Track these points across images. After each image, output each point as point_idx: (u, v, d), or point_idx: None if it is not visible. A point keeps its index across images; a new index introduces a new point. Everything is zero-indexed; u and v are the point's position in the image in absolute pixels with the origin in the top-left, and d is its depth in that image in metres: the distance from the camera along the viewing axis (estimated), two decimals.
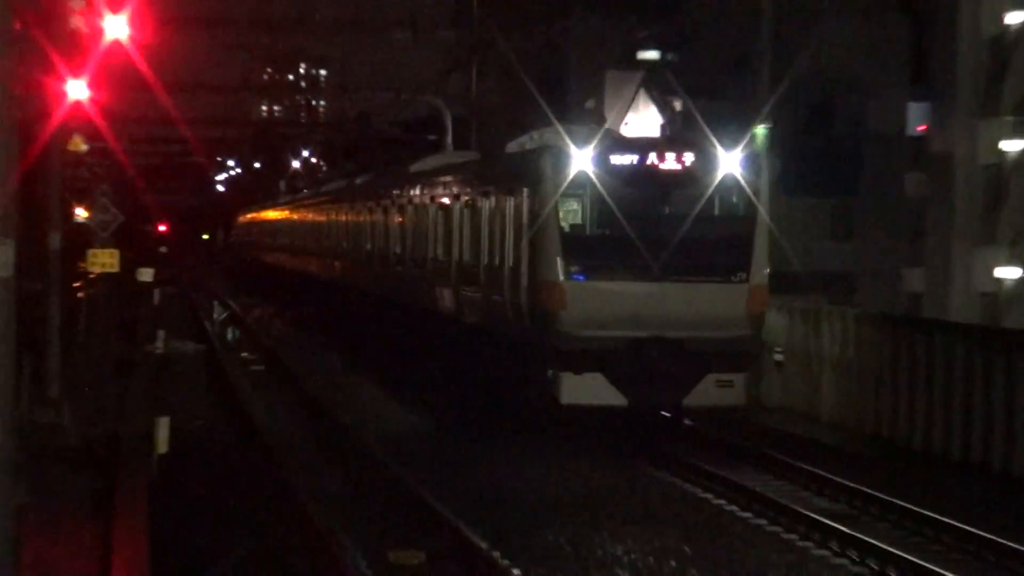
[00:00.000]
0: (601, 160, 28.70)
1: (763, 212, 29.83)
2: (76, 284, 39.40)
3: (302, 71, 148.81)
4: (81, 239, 40.31)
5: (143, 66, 40.67)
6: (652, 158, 29.94)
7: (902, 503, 26.62)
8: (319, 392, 49.68)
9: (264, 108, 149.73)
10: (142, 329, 57.84)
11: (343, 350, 69.85)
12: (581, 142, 29.44)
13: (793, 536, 24.70)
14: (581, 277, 28.69)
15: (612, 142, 29.63)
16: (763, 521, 26.29)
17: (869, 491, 27.99)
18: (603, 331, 28.09)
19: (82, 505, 24.90)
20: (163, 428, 32.61)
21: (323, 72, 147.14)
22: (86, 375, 38.42)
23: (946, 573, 23.25)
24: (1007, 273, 55.06)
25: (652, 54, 75.95)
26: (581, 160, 28.76)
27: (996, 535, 24.73)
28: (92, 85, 34.63)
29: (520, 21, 75.24)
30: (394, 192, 60.65)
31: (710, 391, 28.86)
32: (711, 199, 28.91)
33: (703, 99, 47.09)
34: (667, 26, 74.79)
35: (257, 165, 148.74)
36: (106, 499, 25.30)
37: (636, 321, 28.27)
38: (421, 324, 50.04)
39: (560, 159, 28.78)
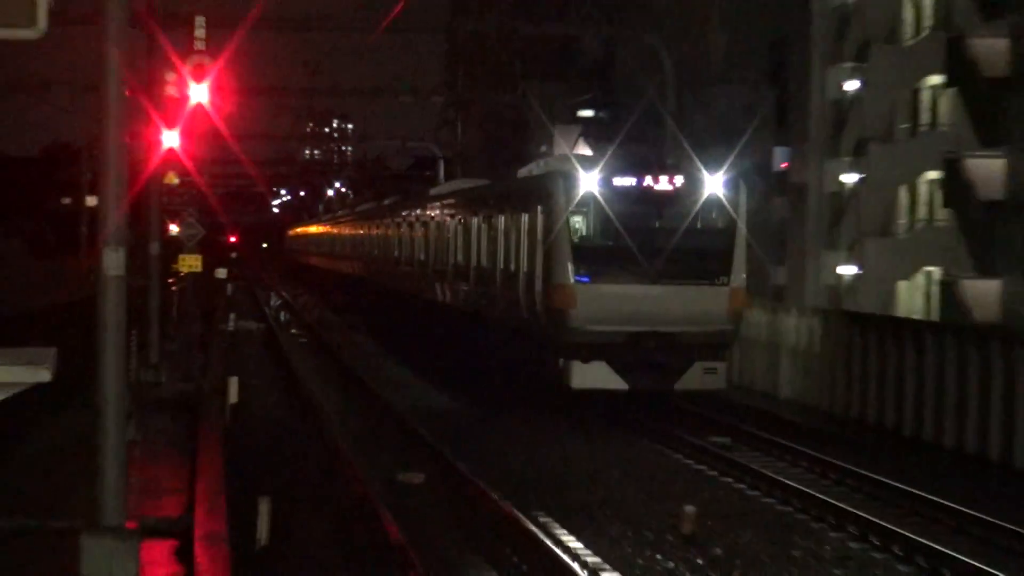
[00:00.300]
0: (605, 182, 27.21)
1: (742, 226, 28.15)
2: (170, 280, 39.41)
3: (335, 124, 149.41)
4: (174, 247, 40.10)
5: (219, 122, 40.33)
6: (648, 180, 27.98)
7: (839, 463, 25.40)
8: (352, 362, 46.92)
9: (307, 152, 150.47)
10: (218, 313, 57.43)
11: (371, 332, 65.03)
12: (588, 167, 27.74)
13: (752, 491, 23.81)
14: (588, 280, 26.95)
15: (614, 167, 28.01)
16: (730, 479, 24.92)
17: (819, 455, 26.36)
18: (607, 326, 26.48)
19: (175, 440, 25.11)
20: (233, 385, 32.78)
21: (350, 125, 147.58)
22: (177, 346, 38.35)
23: (859, 512, 21.77)
24: (845, 271, 55.50)
25: (588, 112, 75.58)
26: (588, 182, 27.25)
27: (905, 484, 23.78)
28: (181, 135, 34.69)
29: (492, 87, 74.35)
30: (418, 210, 55.91)
31: (697, 377, 27.38)
32: (698, 215, 27.52)
33: (629, 144, 46.29)
34: (599, 91, 73.29)
35: (302, 193, 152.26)
36: (192, 436, 26.25)
37: (635, 317, 26.74)
38: (442, 319, 45.61)
39: (571, 182, 27.27)
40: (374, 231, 72.34)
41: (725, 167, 28.29)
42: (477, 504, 22.46)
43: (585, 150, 47.60)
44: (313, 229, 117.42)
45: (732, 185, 27.96)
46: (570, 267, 27.35)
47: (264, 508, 19.18)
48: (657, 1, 49.48)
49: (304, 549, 19.72)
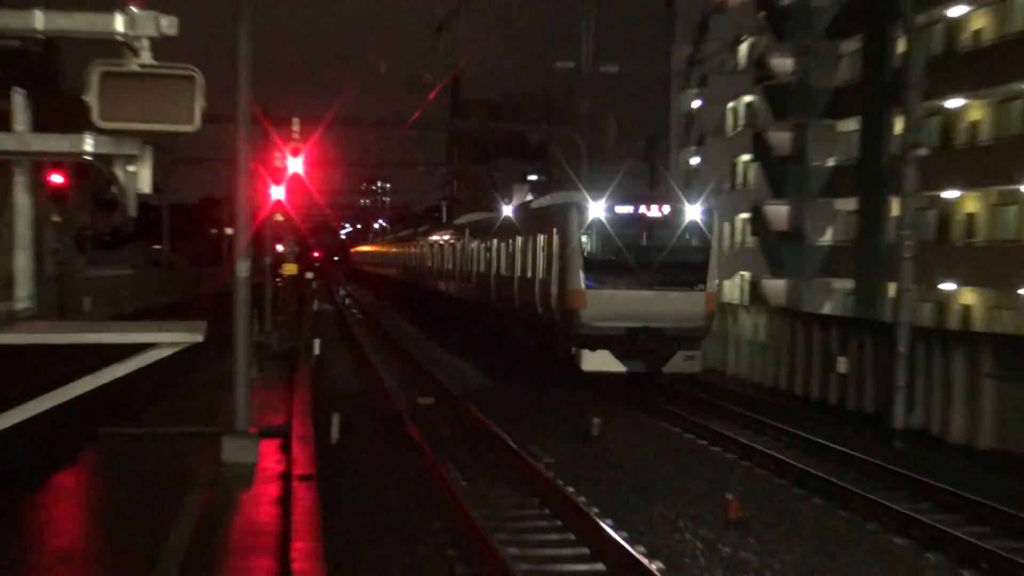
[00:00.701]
0: (609, 210, 24.78)
1: (715, 245, 25.66)
2: (277, 279, 39.20)
3: (378, 184, 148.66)
4: (279, 259, 39.94)
5: (309, 182, 40.43)
6: (642, 209, 25.37)
7: (777, 424, 21.75)
8: (390, 331, 45.41)
9: (361, 200, 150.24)
10: (307, 299, 57.34)
11: (402, 312, 62.52)
12: (595, 198, 25.52)
13: (712, 447, 20.01)
14: (595, 286, 24.48)
15: (616, 199, 25.48)
16: (692, 436, 21.24)
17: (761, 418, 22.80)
18: (610, 322, 24.18)
19: (280, 378, 24.97)
20: (316, 344, 33.20)
21: (388, 184, 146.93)
22: (281, 320, 38.15)
23: (780, 455, 18.65)
24: None
25: (533, 176, 75.75)
26: (596, 210, 24.88)
27: (814, 435, 20.42)
28: (286, 190, 34.57)
29: (474, 161, 74.38)
30: (452, 232, 50.67)
31: (680, 362, 24.80)
32: (680, 236, 24.84)
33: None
34: (539, 164, 73.82)
35: (358, 225, 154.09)
36: (290, 375, 25.70)
37: (631, 316, 24.27)
38: (476, 314, 41.00)
39: (582, 209, 24.96)
40: (405, 249, 72.92)
41: (701, 200, 26.37)
42: (462, 416, 23.45)
43: (530, 197, 47.59)
44: (365, 248, 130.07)
45: (707, 213, 25.68)
46: (581, 275, 24.85)
47: (335, 419, 20.40)
48: (576, 109, 49.02)
49: (360, 444, 20.55)
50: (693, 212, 25.72)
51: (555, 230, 27.40)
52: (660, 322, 24.97)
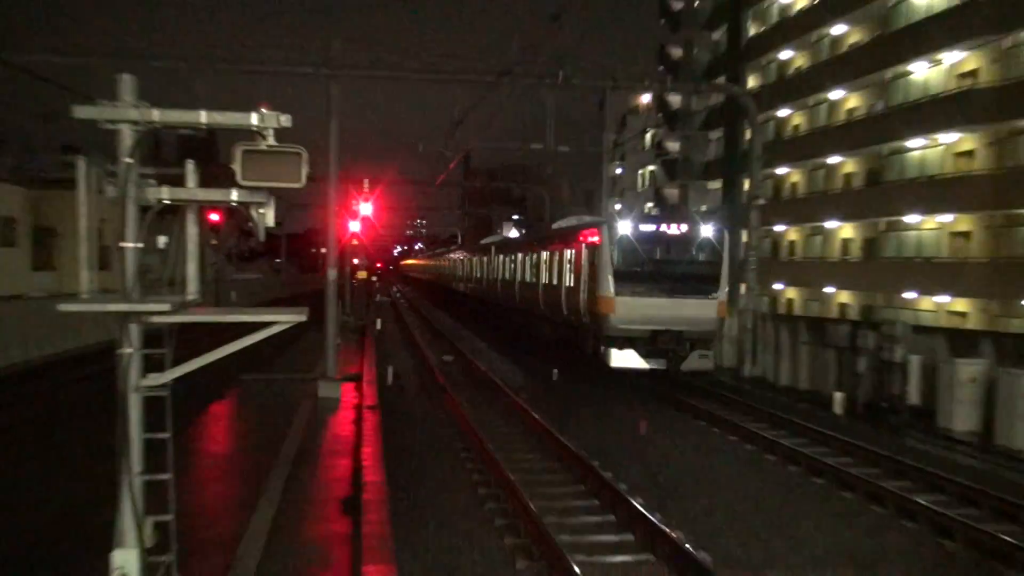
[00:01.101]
0: (634, 228, 19.38)
1: (726, 258, 19.73)
2: (353, 281, 38.70)
3: (418, 220, 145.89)
4: (355, 268, 39.51)
5: (373, 219, 39.86)
6: (663, 227, 19.97)
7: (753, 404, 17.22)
8: (430, 318, 42.15)
9: (408, 230, 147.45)
10: (372, 294, 56.51)
11: (437, 305, 55.91)
12: (623, 218, 20.16)
13: (710, 427, 15.27)
14: (624, 294, 19.05)
15: (641, 219, 20.39)
16: (703, 422, 15.75)
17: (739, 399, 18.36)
18: (635, 325, 19.01)
19: (356, 340, 24.32)
20: (379, 322, 32.80)
21: (423, 220, 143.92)
22: (358, 307, 37.60)
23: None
24: None
25: (516, 217, 74.41)
26: (624, 228, 19.39)
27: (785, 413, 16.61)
28: (360, 224, 34.03)
29: (478, 206, 74.09)
30: (472, 250, 44.14)
31: (696, 361, 19.27)
32: (696, 250, 19.52)
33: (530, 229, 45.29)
34: (521, 208, 73.13)
35: (405, 247, 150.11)
36: (361, 342, 24.62)
37: (654, 320, 19.03)
38: (492, 308, 34.74)
39: (612, 227, 19.53)
40: (437, 262, 68.70)
41: (713, 221, 20.67)
42: (473, 369, 22.34)
43: (514, 231, 45.74)
44: (409, 261, 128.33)
45: (719, 231, 20.12)
46: (612, 284, 19.34)
47: (389, 369, 19.93)
48: (543, 174, 48.56)
49: (407, 386, 19.65)
50: (707, 230, 20.43)
51: (586, 245, 21.85)
52: (679, 325, 19.58)
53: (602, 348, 19.98)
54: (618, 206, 64.67)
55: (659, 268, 19.85)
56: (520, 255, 30.02)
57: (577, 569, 7.70)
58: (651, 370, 19.61)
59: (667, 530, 8.82)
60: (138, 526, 4.85)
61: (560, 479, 11.81)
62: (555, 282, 24.03)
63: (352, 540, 7.61)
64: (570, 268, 22.33)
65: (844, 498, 11.36)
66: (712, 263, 20.10)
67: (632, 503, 9.87)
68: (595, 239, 20.63)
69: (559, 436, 13.40)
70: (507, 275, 32.23)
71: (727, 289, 20.29)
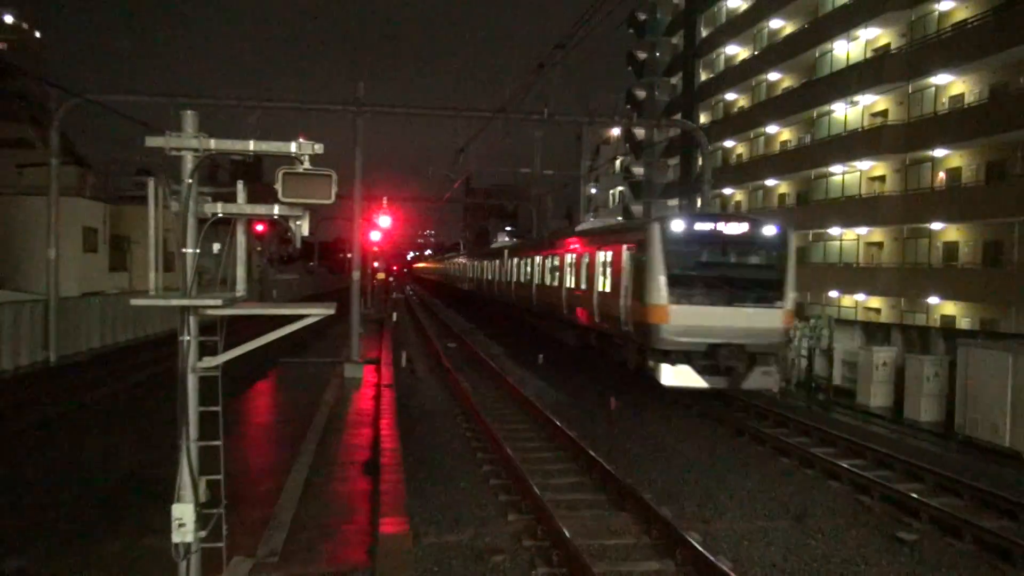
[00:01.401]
0: (688, 227, 13.51)
1: (792, 262, 13.71)
2: (373, 281, 38.35)
3: (427, 230, 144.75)
4: (375, 271, 39.21)
5: (391, 232, 39.35)
6: (721, 226, 13.70)
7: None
8: (438, 312, 40.23)
9: (419, 239, 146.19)
10: (389, 292, 56.04)
11: (449, 306, 48.00)
12: (676, 217, 14.10)
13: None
14: (678, 301, 13.05)
15: (695, 217, 14.10)
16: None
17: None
18: (691, 337, 13.02)
19: (375, 329, 23.98)
20: (395, 314, 32.16)
21: (431, 230, 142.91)
22: (377, 302, 37.29)
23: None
24: None
25: (509, 228, 73.67)
26: (677, 226, 13.44)
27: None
28: (380, 234, 33.59)
29: (477, 220, 72.32)
30: (476, 254, 39.34)
31: (758, 378, 13.08)
32: (759, 253, 13.66)
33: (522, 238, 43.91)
34: (513, 221, 72.63)
35: (417, 253, 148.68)
36: (380, 331, 24.41)
37: (712, 331, 13.04)
38: (531, 319, 24.77)
39: (665, 226, 13.46)
40: (444, 265, 66.12)
41: (773, 219, 14.71)
42: (472, 354, 21.68)
43: (507, 239, 43.66)
44: (421, 265, 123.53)
45: (782, 232, 14.00)
46: (664, 290, 13.30)
47: (404, 354, 19.73)
48: (531, 193, 48.32)
49: (418, 367, 19.09)
50: (769, 229, 14.20)
51: (626, 246, 15.27)
52: (740, 338, 13.61)
53: (651, 363, 14.18)
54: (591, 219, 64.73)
55: (718, 272, 14.07)
56: (539, 258, 23.57)
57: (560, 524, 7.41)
58: (708, 391, 14.20)
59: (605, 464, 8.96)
60: (194, 484, 4.87)
61: (532, 434, 12.04)
62: (583, 286, 18.07)
63: (372, 496, 7.62)
64: (603, 272, 16.60)
65: (781, 462, 11.13)
66: (775, 267, 14.27)
67: (590, 452, 10.11)
68: (641, 238, 14.75)
69: (535, 402, 13.24)
70: (522, 278, 25.78)
71: (793, 296, 14.48)
